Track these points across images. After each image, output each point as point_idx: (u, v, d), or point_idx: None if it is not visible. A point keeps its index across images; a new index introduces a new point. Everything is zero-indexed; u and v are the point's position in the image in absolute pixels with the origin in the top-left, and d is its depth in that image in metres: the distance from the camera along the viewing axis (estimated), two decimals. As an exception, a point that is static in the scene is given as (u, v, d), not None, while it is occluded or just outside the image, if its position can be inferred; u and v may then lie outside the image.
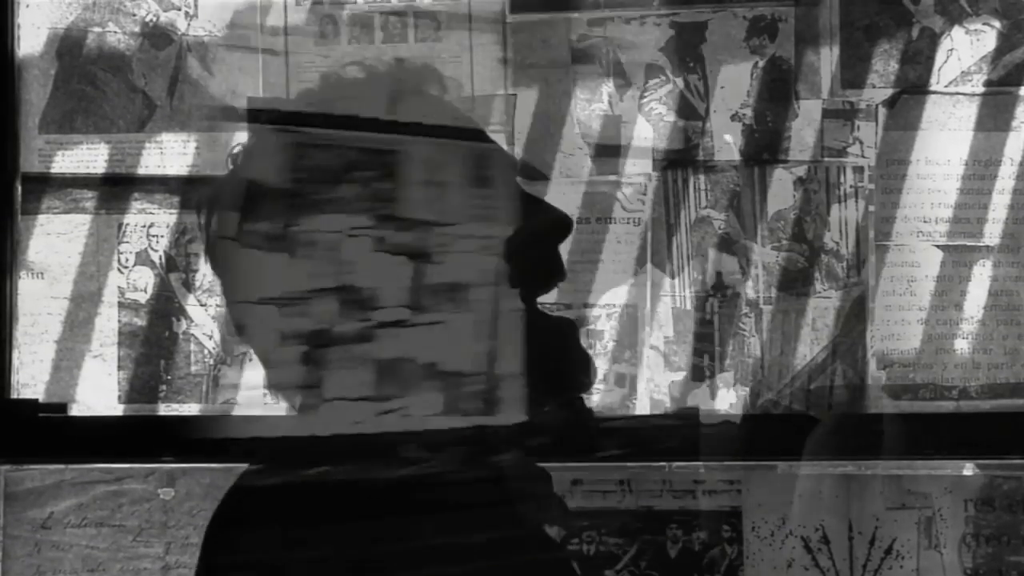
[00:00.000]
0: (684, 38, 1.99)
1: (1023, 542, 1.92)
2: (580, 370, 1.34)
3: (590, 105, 2.00)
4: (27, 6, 2.06)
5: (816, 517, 1.94)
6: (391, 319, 1.16)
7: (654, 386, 1.97)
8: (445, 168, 1.21)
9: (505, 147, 1.91)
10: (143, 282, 2.04)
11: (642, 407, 1.98)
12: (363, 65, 1.33)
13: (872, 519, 1.93)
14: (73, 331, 2.04)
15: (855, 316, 1.96)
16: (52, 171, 2.05)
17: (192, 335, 2.03)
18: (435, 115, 1.26)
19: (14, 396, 2.04)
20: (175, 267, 2.04)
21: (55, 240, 2.05)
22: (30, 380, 2.04)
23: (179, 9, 2.05)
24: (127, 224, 2.05)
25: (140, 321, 2.04)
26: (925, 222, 1.97)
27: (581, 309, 1.99)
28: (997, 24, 1.97)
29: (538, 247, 1.29)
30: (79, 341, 2.04)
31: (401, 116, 1.23)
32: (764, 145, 1.99)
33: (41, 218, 2.05)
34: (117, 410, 2.04)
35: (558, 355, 1.30)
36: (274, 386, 1.28)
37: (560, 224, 1.35)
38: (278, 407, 2.03)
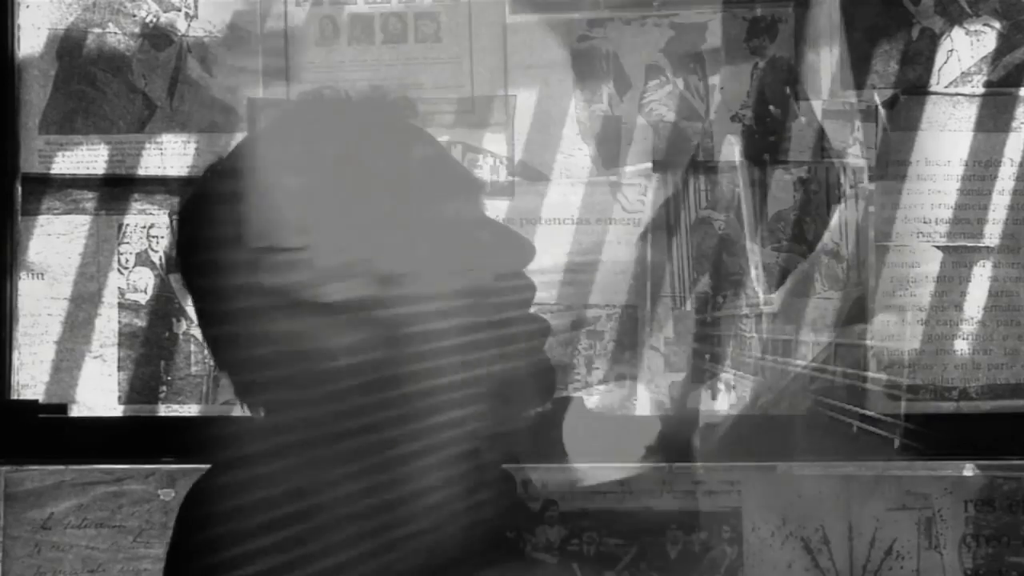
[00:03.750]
0: (684, 38, 1.99)
1: (1023, 543, 1.92)
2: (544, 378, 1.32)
3: (590, 105, 2.00)
4: (27, 6, 2.06)
5: (816, 519, 1.94)
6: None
7: (654, 387, 1.97)
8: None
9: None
10: (143, 283, 2.04)
11: (642, 408, 1.98)
12: (337, 89, 1.33)
13: (872, 519, 1.93)
14: (73, 332, 2.04)
15: (855, 316, 1.96)
16: (52, 171, 2.05)
17: (192, 336, 2.03)
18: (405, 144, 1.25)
19: (14, 397, 2.04)
20: (175, 268, 2.04)
21: (55, 241, 2.05)
22: (30, 381, 2.04)
23: (179, 10, 2.05)
24: (127, 225, 2.05)
25: (140, 322, 2.04)
26: (925, 222, 1.97)
27: (581, 309, 1.99)
28: (997, 25, 1.97)
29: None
30: (79, 342, 2.04)
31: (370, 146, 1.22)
32: (764, 145, 1.99)
33: (41, 219, 2.05)
34: (117, 411, 2.04)
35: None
36: None
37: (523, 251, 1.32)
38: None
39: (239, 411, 2.03)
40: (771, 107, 1.99)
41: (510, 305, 1.25)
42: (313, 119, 1.28)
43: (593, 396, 1.98)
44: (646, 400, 1.98)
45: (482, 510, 1.20)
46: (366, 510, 1.14)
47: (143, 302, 2.04)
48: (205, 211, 1.26)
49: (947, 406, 1.96)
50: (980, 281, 1.96)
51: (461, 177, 1.34)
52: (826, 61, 1.99)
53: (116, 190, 2.05)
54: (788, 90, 1.99)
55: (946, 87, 1.97)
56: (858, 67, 1.98)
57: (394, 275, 1.16)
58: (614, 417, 1.97)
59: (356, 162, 1.19)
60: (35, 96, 2.06)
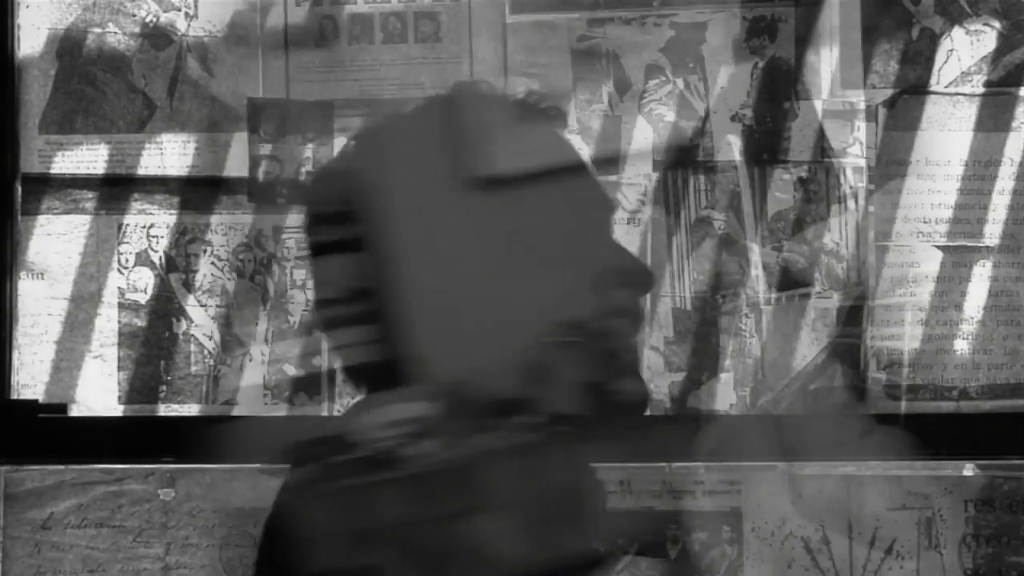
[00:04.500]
0: (684, 38, 1.99)
1: (1023, 542, 1.92)
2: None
3: (590, 105, 2.00)
4: (27, 6, 2.06)
5: (816, 517, 1.94)
6: None
7: (654, 386, 1.97)
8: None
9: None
10: (143, 283, 2.04)
11: (642, 407, 1.98)
12: (492, 85, 1.29)
13: (872, 519, 1.93)
14: (73, 332, 2.04)
15: (855, 316, 1.96)
16: (52, 171, 2.05)
17: (192, 335, 2.03)
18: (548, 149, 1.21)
19: (14, 396, 2.04)
20: (175, 268, 2.04)
21: (55, 240, 2.05)
22: (30, 380, 2.04)
23: (179, 9, 2.05)
24: (127, 225, 2.05)
25: (140, 322, 2.04)
26: (925, 222, 1.97)
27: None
28: (997, 24, 1.97)
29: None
30: (79, 342, 2.04)
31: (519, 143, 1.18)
32: (764, 145, 1.99)
33: (41, 218, 2.05)
34: (117, 411, 2.04)
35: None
36: None
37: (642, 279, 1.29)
38: (277, 408, 2.03)
39: (238, 411, 2.04)
40: (771, 107, 1.99)
41: (621, 334, 1.23)
42: (463, 110, 1.25)
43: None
44: (646, 400, 1.98)
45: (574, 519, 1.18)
46: (450, 509, 1.12)
47: (143, 302, 2.04)
48: (339, 174, 1.23)
49: (947, 406, 1.96)
50: (980, 281, 1.96)
51: (596, 195, 1.29)
52: (826, 61, 1.99)
53: (116, 190, 2.05)
54: (788, 90, 1.99)
55: (946, 87, 1.97)
56: (858, 67, 1.98)
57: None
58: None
59: (493, 164, 1.16)
60: (35, 96, 2.06)
